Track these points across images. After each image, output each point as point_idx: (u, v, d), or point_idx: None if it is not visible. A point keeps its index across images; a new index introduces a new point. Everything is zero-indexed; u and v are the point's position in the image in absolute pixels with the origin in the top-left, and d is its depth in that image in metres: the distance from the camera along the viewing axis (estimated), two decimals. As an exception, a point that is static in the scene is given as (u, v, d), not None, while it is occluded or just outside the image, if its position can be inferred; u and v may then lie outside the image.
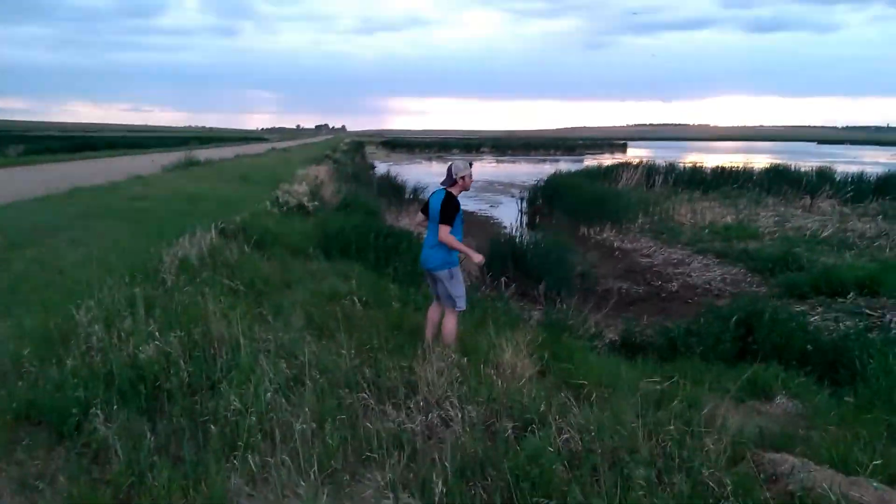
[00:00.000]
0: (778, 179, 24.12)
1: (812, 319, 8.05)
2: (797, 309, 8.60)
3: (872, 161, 59.11)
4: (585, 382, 4.48)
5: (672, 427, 3.53)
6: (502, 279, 11.61)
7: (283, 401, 3.61)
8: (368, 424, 3.40)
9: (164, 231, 9.21)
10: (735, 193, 22.87)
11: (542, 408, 3.73)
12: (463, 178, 5.28)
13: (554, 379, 4.84)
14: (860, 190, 21.51)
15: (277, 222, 11.12)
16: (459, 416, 3.59)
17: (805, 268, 12.15)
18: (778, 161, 31.56)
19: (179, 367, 3.85)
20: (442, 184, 5.30)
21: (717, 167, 27.22)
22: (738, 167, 26.95)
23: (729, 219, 18.26)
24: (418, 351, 4.64)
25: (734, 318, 6.60)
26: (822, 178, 23.24)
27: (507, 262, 11.77)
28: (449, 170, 5.30)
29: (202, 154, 31.38)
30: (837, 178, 23.43)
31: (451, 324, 5.35)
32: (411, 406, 3.74)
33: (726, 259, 14.09)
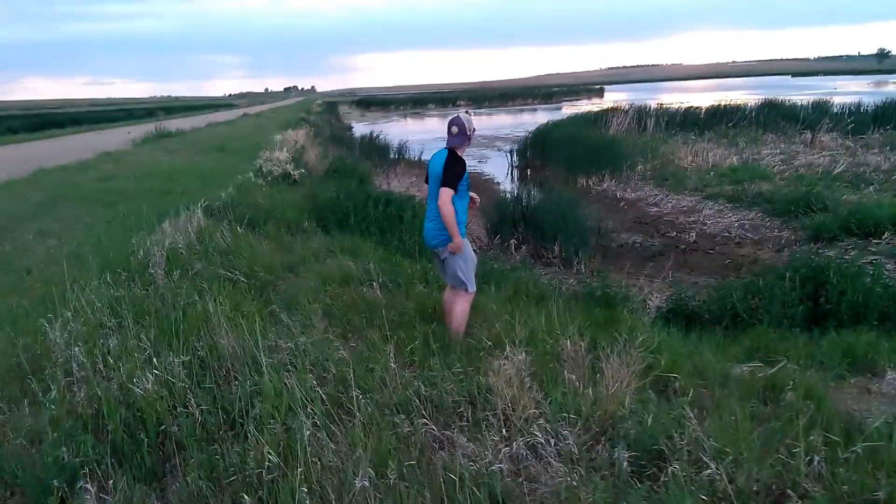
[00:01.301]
0: (774, 115, 23.38)
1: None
2: (870, 259, 7.86)
3: (854, 91, 58.62)
4: (677, 376, 3.73)
5: (814, 437, 2.80)
6: (512, 241, 10.86)
7: (327, 438, 2.82)
8: (441, 468, 2.62)
9: (142, 215, 8.27)
10: (732, 133, 22.11)
11: (650, 420, 2.98)
12: (474, 131, 4.50)
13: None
14: (860, 121, 20.84)
15: (265, 196, 10.18)
16: (553, 441, 2.83)
17: (829, 208, 11.48)
18: (757, 96, 30.81)
19: (188, 401, 3.03)
20: (448, 143, 4.48)
21: (711, 106, 26.35)
22: (730, 104, 26.12)
23: (734, 160, 17.53)
24: (469, 351, 3.86)
25: (798, 277, 5.88)
26: (820, 112, 22.53)
27: (516, 222, 10.98)
28: (458, 125, 4.42)
29: (173, 124, 29.95)
30: (835, 111, 22.75)
31: (460, 310, 4.59)
32: (486, 432, 2.97)
33: (740, 203, 13.39)
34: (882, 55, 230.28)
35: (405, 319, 4.72)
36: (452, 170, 4.32)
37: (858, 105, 22.97)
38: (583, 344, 3.91)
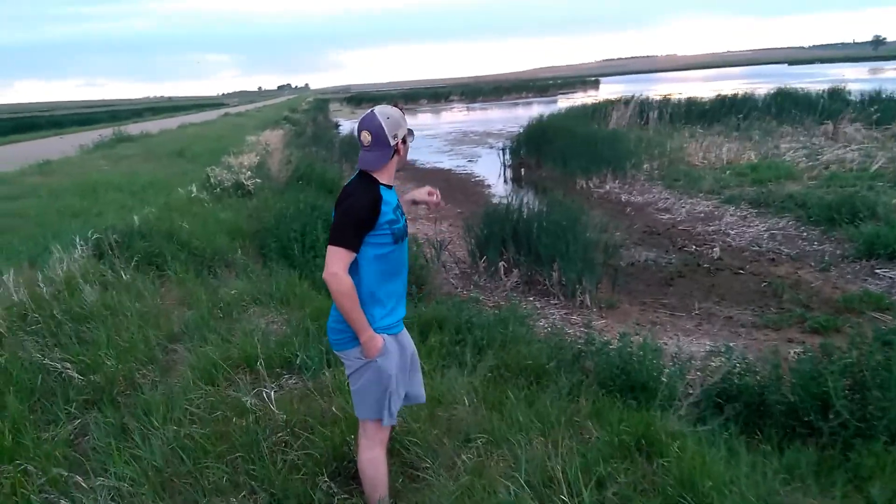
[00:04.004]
0: (787, 105, 21.46)
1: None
2: None
3: (855, 78, 56.63)
4: None
5: None
6: (500, 264, 8.96)
7: None
8: None
9: (22, 248, 6.39)
10: (743, 125, 20.20)
11: None
12: (403, 140, 2.59)
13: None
14: (885, 110, 18.94)
15: (196, 216, 8.26)
16: None
17: (879, 215, 9.61)
18: (759, 85, 28.88)
19: None
20: (360, 163, 2.55)
21: (717, 96, 24.40)
22: (739, 94, 24.18)
23: (751, 156, 15.63)
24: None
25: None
26: (839, 100, 20.64)
27: (506, 240, 9.07)
28: (372, 129, 2.49)
29: (143, 126, 28.00)
30: (854, 99, 20.87)
31: (366, 461, 2.68)
32: None
33: (766, 209, 11.51)
34: (878, 42, 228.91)
35: (312, 467, 2.82)
36: (347, 213, 2.46)
37: (878, 93, 21.06)
38: None
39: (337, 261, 2.41)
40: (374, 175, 2.55)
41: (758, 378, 4.19)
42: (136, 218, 7.27)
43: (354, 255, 2.45)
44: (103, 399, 3.43)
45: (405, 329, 2.76)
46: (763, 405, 3.96)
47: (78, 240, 5.79)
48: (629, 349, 4.40)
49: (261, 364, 3.57)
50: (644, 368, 4.22)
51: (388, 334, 2.59)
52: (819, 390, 3.71)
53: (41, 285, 4.71)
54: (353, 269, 2.48)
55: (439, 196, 2.87)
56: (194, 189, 10.32)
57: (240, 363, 3.90)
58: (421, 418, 3.39)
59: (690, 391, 4.31)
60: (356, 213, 2.44)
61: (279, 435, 3.07)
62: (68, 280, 4.98)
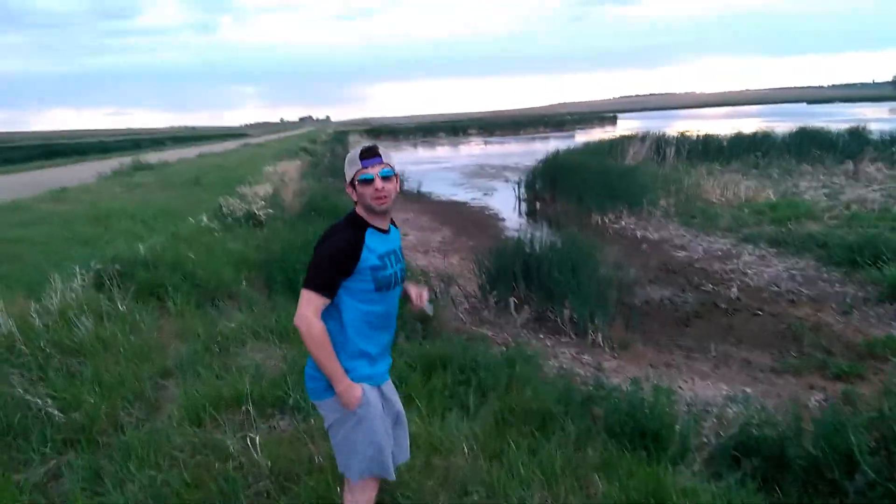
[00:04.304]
0: (807, 144, 21.22)
1: None
2: None
3: (876, 117, 56.22)
4: None
5: None
6: (511, 300, 8.75)
7: None
8: None
9: (23, 277, 6.32)
10: (762, 163, 19.98)
11: None
12: (353, 182, 2.34)
13: None
14: (906, 150, 18.67)
15: (204, 246, 8.18)
16: None
17: (904, 257, 9.32)
18: (777, 123, 28.65)
19: None
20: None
21: (736, 134, 24.22)
22: (758, 132, 23.99)
23: (770, 194, 15.38)
24: None
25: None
26: (859, 140, 20.37)
27: (516, 275, 8.87)
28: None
29: (162, 155, 28.33)
30: (874, 138, 20.60)
31: None
32: None
33: (786, 248, 11.23)
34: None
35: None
36: (322, 255, 2.30)
37: (900, 132, 20.82)
38: None
39: (307, 305, 2.27)
40: (363, 216, 2.38)
41: (777, 430, 3.93)
42: (141, 247, 7.20)
43: (327, 300, 2.29)
44: (82, 439, 3.26)
45: (391, 382, 2.57)
46: (783, 459, 3.70)
47: (79, 269, 5.70)
48: (640, 395, 4.17)
49: (249, 407, 3.38)
50: (656, 417, 3.98)
51: (370, 385, 2.41)
52: (843, 445, 3.46)
53: (34, 316, 4.60)
54: (334, 315, 2.33)
55: (423, 300, 2.64)
56: (205, 218, 10.29)
57: (231, 403, 3.73)
58: (415, 467, 3.19)
59: (705, 441, 4.07)
60: (330, 256, 2.28)
61: (262, 484, 2.88)
62: (63, 311, 4.86)
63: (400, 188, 2.50)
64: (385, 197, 2.32)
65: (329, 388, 2.33)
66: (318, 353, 2.28)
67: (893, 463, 3.33)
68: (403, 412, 2.62)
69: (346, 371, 2.33)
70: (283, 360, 4.60)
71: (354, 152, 2.37)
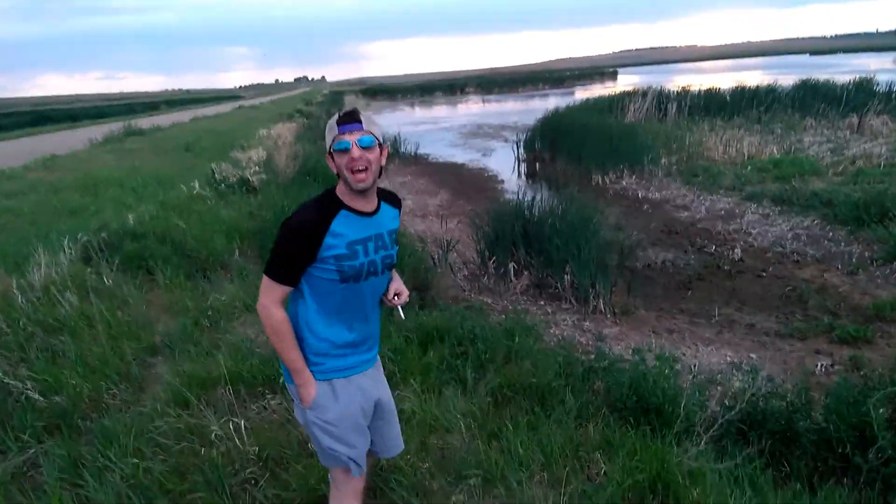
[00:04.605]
0: (811, 97, 20.80)
1: None
2: None
3: (879, 68, 55.16)
4: None
5: None
6: (510, 265, 8.59)
7: None
8: None
9: (15, 249, 6.15)
10: (765, 118, 19.60)
11: None
12: (331, 151, 2.09)
13: None
14: (912, 102, 18.29)
15: (197, 214, 7.99)
16: None
17: (912, 214, 9.12)
18: (779, 76, 28.07)
19: None
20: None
21: (737, 88, 23.73)
22: (761, 86, 23.49)
23: (773, 150, 15.10)
24: None
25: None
26: (864, 92, 19.95)
27: (515, 240, 8.69)
28: None
29: (155, 120, 27.87)
30: (880, 90, 20.16)
31: None
32: None
33: (790, 207, 11.02)
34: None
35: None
36: (280, 239, 2.06)
37: (905, 84, 20.34)
38: None
39: (266, 293, 2.07)
40: (340, 196, 2.12)
41: (785, 401, 3.79)
42: (130, 217, 7.01)
43: (287, 287, 2.09)
44: (62, 425, 3.13)
45: (374, 372, 2.36)
46: (791, 432, 3.58)
47: (66, 242, 5.52)
48: (643, 369, 4.03)
49: (239, 387, 3.24)
50: (659, 391, 3.85)
51: (340, 378, 2.21)
52: (857, 419, 3.33)
53: (16, 292, 4.44)
54: (299, 301, 2.15)
55: (398, 300, 2.33)
56: (197, 186, 10.06)
57: (220, 382, 3.59)
58: (411, 450, 3.06)
59: (711, 414, 3.93)
60: (288, 241, 2.05)
61: (249, 470, 2.76)
62: (47, 286, 4.70)
63: (387, 160, 2.22)
64: (363, 171, 2.03)
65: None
66: (277, 345, 2.11)
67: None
68: (391, 401, 2.42)
69: (314, 364, 2.16)
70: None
71: (333, 118, 2.12)
